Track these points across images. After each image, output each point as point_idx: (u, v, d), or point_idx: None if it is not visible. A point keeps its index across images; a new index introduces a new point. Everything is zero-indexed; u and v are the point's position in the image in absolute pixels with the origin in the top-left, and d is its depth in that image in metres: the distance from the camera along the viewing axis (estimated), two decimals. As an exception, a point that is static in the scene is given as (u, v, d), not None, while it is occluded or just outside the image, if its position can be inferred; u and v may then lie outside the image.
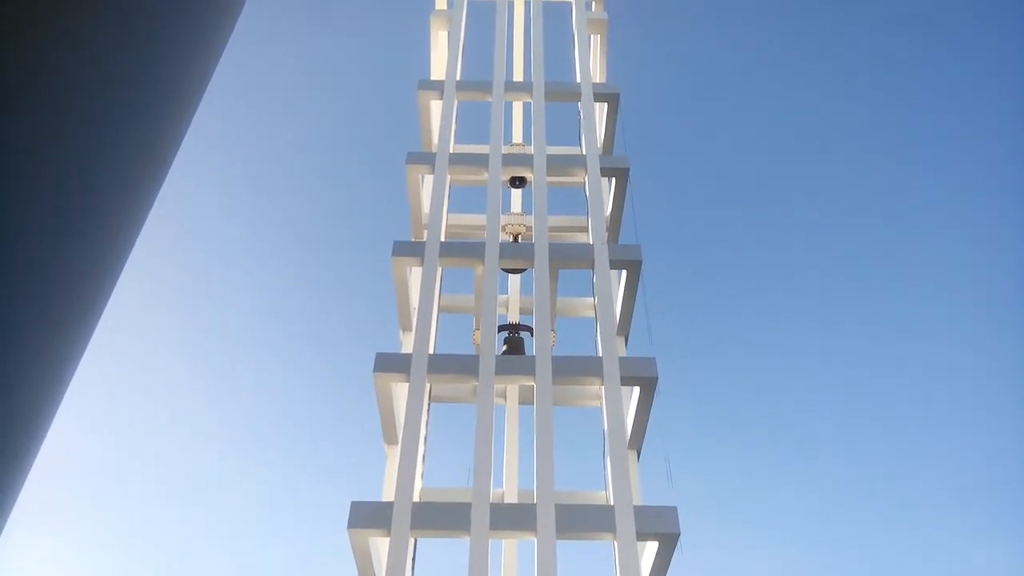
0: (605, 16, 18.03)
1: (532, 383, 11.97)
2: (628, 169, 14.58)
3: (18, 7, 1.97)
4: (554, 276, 13.34)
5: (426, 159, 14.95)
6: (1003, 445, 29.93)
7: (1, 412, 2.00)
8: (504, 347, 14.77)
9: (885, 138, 34.47)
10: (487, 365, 11.92)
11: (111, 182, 2.38)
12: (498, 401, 13.95)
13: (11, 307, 2.00)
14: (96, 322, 2.44)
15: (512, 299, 16.18)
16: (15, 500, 2.13)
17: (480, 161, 15.00)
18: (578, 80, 16.44)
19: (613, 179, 14.82)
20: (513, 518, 10.77)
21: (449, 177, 14.85)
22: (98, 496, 30.32)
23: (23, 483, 2.13)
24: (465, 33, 17.70)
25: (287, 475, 32.89)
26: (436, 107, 16.20)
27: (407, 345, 13.30)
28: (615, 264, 13.31)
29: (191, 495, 31.42)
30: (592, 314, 13.87)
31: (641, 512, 10.44)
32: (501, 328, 14.74)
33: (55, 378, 2.22)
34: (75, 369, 2.38)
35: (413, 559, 11.50)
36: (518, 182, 16.23)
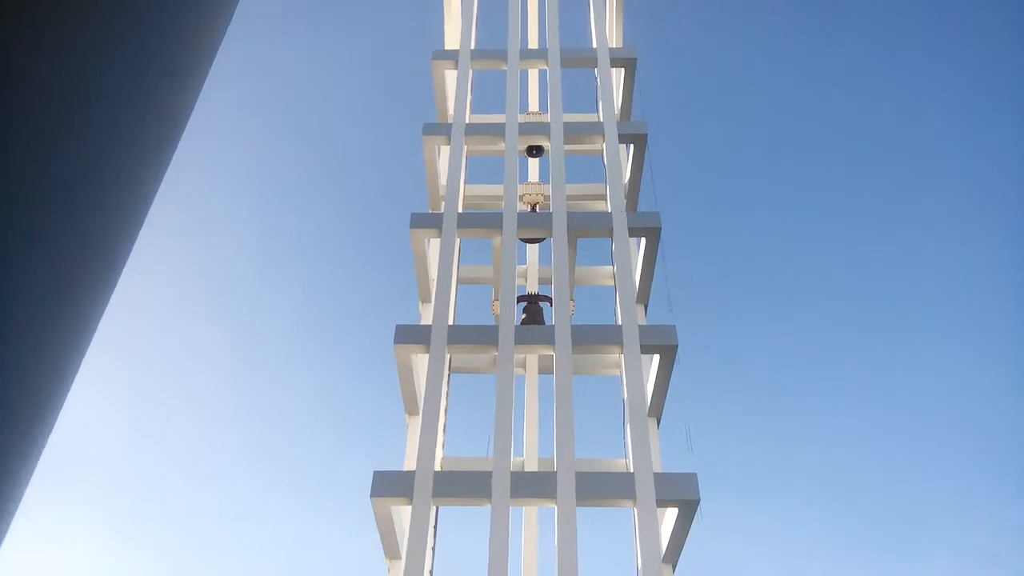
0: (621, -22, 17.75)
1: (551, 352, 12.02)
2: (646, 135, 14.44)
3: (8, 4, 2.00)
4: (572, 245, 13.32)
5: (442, 130, 14.90)
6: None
7: (4, 412, 2.05)
8: (523, 317, 14.82)
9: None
10: (506, 335, 11.98)
11: (112, 174, 2.42)
12: (518, 371, 14.03)
13: (14, 305, 2.05)
14: (100, 315, 2.50)
15: (531, 269, 16.19)
16: (20, 500, 2.19)
17: (496, 131, 14.92)
18: (594, 45, 16.25)
19: (631, 146, 14.70)
20: (533, 486, 10.88)
21: (465, 147, 14.80)
22: (114, 486, 30.81)
23: (27, 483, 2.19)
24: (478, 1, 17.51)
25: (311, 452, 33.31)
26: (451, 77, 16.10)
27: (426, 316, 13.38)
28: (634, 232, 13.26)
29: (206, 480, 31.90)
30: (611, 282, 13.84)
31: (661, 479, 10.51)
32: (520, 298, 14.80)
33: (63, 367, 2.28)
34: (81, 361, 2.44)
35: (435, 527, 11.68)
36: (535, 151, 16.14)
